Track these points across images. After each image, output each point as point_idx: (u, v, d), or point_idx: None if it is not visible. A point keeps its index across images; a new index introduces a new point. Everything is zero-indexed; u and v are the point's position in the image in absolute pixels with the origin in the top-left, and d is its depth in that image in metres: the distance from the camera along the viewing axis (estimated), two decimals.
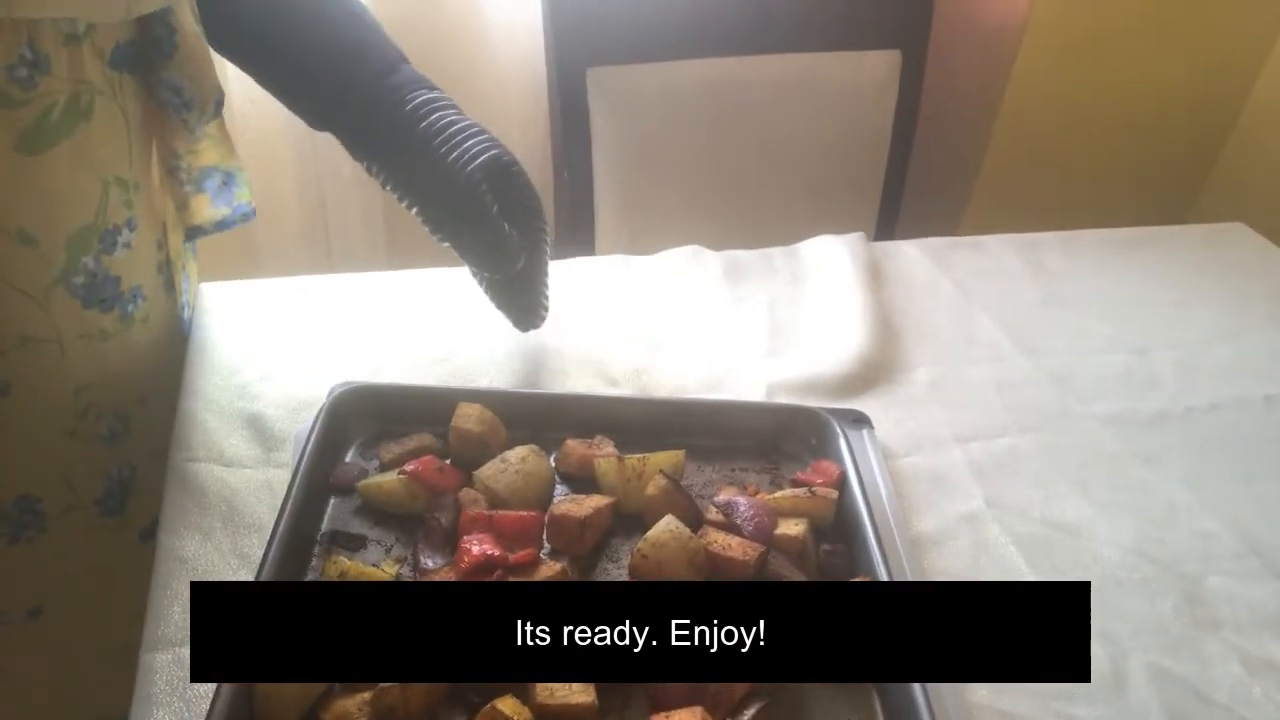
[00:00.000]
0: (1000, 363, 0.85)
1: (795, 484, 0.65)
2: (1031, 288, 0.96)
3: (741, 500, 0.60)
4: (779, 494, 0.63)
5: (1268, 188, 1.44)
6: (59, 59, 0.59)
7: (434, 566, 0.57)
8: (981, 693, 0.57)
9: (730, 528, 0.59)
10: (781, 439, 0.69)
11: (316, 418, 0.65)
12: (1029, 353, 0.86)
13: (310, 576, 0.58)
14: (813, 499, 0.62)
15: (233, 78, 1.24)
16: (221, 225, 0.80)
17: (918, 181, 1.47)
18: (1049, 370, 0.84)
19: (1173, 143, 1.52)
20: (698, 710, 0.48)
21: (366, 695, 0.50)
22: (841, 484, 0.63)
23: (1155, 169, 1.55)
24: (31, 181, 0.61)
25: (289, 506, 0.58)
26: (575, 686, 0.49)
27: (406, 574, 0.58)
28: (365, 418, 0.68)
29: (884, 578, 0.56)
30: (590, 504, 0.60)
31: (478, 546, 0.56)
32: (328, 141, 0.72)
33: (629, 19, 1.25)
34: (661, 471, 0.61)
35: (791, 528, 0.59)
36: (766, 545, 0.58)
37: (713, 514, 0.61)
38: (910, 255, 0.99)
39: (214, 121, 0.73)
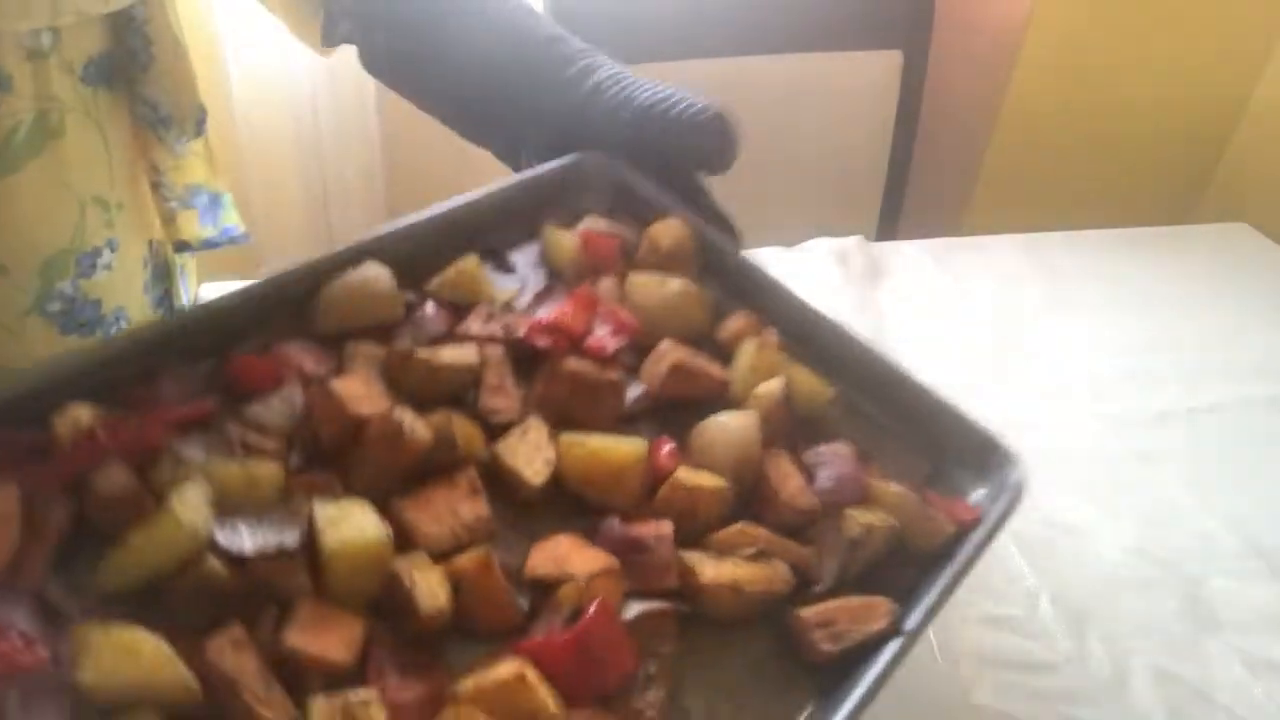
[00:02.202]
0: (1002, 363, 0.85)
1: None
2: (1033, 288, 0.96)
3: (845, 454, 0.49)
4: (884, 483, 0.49)
5: (1271, 188, 1.43)
6: (22, 76, 0.55)
7: (534, 311, 0.53)
8: (985, 694, 0.57)
9: (800, 464, 0.49)
10: (953, 458, 0.55)
11: (557, 164, 0.62)
12: (1031, 353, 0.86)
13: (437, 260, 0.54)
14: (921, 511, 0.48)
15: (236, 81, 1.25)
16: (208, 244, 0.75)
17: (919, 182, 1.47)
18: (1051, 370, 0.84)
19: (1176, 143, 1.52)
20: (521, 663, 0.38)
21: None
22: (968, 528, 0.49)
23: (1158, 169, 1.54)
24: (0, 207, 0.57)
25: (478, 197, 0.57)
26: (536, 467, 0.45)
27: (520, 305, 0.54)
28: (601, 189, 0.63)
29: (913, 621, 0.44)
30: (677, 350, 0.52)
31: (552, 315, 0.51)
32: (330, 143, 0.69)
33: (629, 19, 1.25)
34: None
35: (866, 514, 0.47)
36: (820, 505, 0.47)
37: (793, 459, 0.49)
38: (912, 255, 0.99)
39: (199, 140, 0.70)
